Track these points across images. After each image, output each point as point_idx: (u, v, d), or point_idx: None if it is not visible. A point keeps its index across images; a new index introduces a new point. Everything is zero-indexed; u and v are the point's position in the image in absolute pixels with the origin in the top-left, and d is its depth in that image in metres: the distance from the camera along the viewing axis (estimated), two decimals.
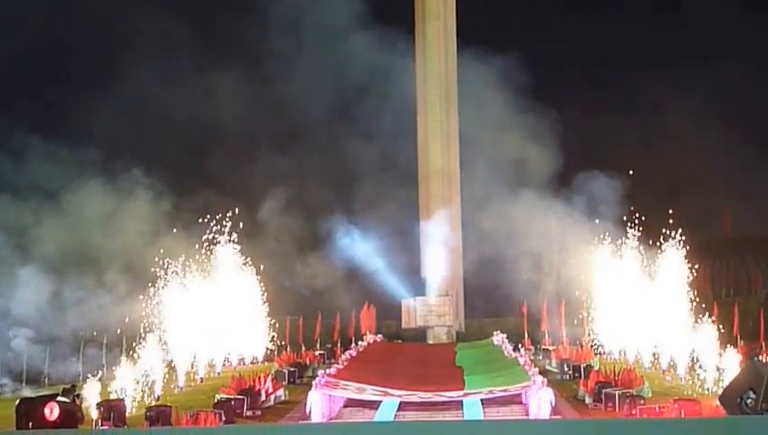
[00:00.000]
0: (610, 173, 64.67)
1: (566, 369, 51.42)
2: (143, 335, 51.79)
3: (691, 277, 56.36)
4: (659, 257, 56.90)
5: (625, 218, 59.29)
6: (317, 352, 59.24)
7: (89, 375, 45.50)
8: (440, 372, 49.13)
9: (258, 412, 43.42)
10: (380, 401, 43.52)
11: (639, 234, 58.27)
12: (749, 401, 32.31)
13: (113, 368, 48.57)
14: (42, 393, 40.58)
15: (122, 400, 41.87)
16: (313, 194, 69.98)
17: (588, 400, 44.65)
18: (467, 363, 52.17)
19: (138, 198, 63.24)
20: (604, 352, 57.94)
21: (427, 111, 70.92)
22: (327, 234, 69.56)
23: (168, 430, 36.53)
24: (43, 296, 57.13)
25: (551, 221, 65.54)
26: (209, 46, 72.71)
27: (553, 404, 41.06)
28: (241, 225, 58.55)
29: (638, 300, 56.00)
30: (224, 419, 40.23)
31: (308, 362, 55.54)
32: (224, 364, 56.39)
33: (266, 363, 57.58)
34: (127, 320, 54.59)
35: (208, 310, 54.79)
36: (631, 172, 64.48)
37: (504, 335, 60.86)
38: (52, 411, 32.89)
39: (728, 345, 50.24)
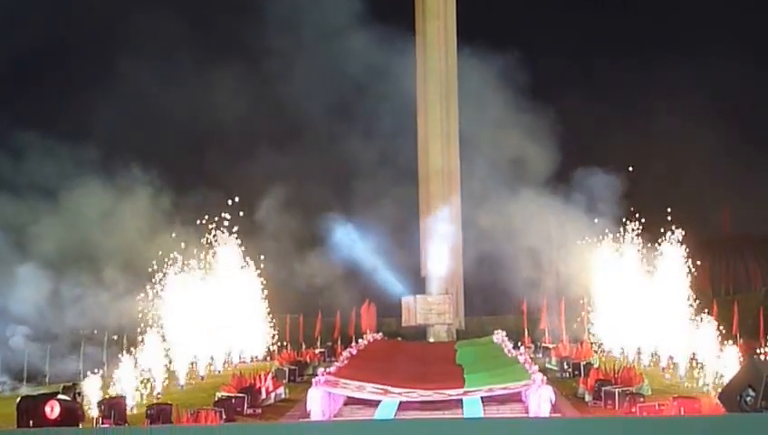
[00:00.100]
0: (610, 172, 64.82)
1: (566, 367, 51.40)
2: (143, 333, 51.80)
3: (691, 275, 56.46)
4: (659, 255, 56.98)
5: (624, 217, 59.47)
6: (317, 350, 59.27)
7: (89, 373, 45.41)
8: (440, 369, 49.09)
9: (259, 410, 43.38)
10: (380, 400, 43.50)
11: (639, 232, 58.40)
12: (748, 398, 32.42)
13: (113, 366, 48.54)
14: (42, 391, 40.61)
15: (123, 398, 41.67)
16: (313, 192, 69.97)
17: (588, 397, 44.61)
18: (467, 361, 52.15)
19: (137, 196, 63.16)
20: (604, 350, 58.00)
21: (427, 109, 70.92)
22: (327, 232, 69.61)
23: (169, 428, 36.49)
24: (41, 294, 57.01)
25: (550, 219, 65.63)
26: (208, 45, 72.59)
27: (553, 402, 40.96)
28: (240, 223, 58.58)
29: (638, 298, 56.09)
30: (224, 417, 40.13)
31: (308, 361, 55.51)
32: (224, 362, 56.42)
33: (267, 361, 57.60)
34: (126, 318, 54.61)
35: (208, 307, 54.84)
36: (631, 170, 64.58)
37: (504, 333, 60.86)
38: (52, 409, 32.96)
39: (728, 343, 50.27)
